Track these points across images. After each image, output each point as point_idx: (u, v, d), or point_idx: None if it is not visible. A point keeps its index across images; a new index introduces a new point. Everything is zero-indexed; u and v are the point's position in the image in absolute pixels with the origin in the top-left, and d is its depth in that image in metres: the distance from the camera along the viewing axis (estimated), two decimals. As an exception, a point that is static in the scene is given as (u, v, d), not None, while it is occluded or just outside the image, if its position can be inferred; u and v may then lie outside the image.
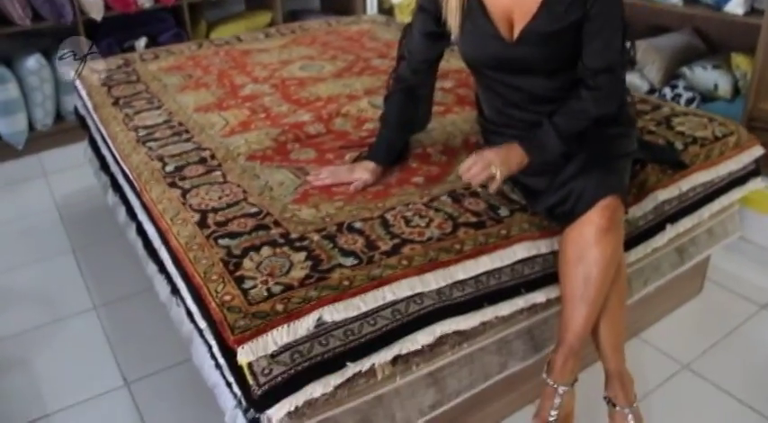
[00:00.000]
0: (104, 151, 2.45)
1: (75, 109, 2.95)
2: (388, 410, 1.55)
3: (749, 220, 2.73)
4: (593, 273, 1.58)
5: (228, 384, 1.48)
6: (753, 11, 3.06)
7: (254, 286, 1.40)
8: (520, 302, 1.65)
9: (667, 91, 3.42)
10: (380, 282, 1.43)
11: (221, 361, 1.38)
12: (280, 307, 1.35)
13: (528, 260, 1.67)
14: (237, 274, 1.44)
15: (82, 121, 2.84)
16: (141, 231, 2.02)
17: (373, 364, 1.41)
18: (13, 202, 3.21)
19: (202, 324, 1.47)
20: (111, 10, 3.68)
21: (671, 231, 1.96)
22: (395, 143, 1.89)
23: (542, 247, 1.68)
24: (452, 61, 2.73)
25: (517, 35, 1.67)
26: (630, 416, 1.68)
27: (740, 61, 3.22)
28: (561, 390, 1.63)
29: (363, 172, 1.81)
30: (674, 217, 1.97)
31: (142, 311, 2.39)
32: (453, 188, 1.78)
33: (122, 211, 2.28)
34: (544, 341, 1.82)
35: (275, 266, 1.46)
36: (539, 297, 1.69)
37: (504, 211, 1.71)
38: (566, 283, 1.62)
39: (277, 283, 1.40)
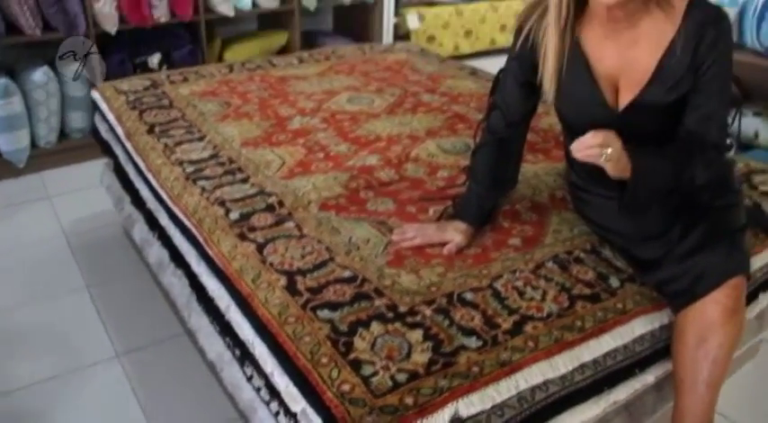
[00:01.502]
0: (138, 184, 2.24)
1: (95, 131, 2.73)
2: None
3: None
4: (719, 356, 1.44)
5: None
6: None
7: (375, 373, 1.22)
8: (636, 385, 1.51)
9: (703, 136, 3.33)
10: (512, 368, 1.27)
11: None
12: (409, 400, 1.17)
13: (639, 336, 1.52)
14: (351, 356, 1.26)
15: (105, 147, 2.62)
16: (193, 282, 1.82)
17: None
18: (15, 228, 2.96)
19: (296, 407, 1.28)
20: (125, 23, 3.47)
21: (763, 300, 1.84)
22: (486, 202, 1.72)
23: (656, 321, 1.54)
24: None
25: (625, 105, 1.51)
26: None
27: (785, 110, 3.14)
28: None
29: (455, 233, 1.64)
30: (766, 285, 1.85)
31: (172, 362, 2.18)
32: (555, 253, 1.63)
33: (159, 252, 2.08)
34: (641, 417, 1.67)
35: (393, 348, 1.28)
36: (649, 377, 1.55)
37: (614, 281, 1.56)
38: (685, 368, 1.47)
39: (400, 370, 1.23)
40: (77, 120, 3.51)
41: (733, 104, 1.59)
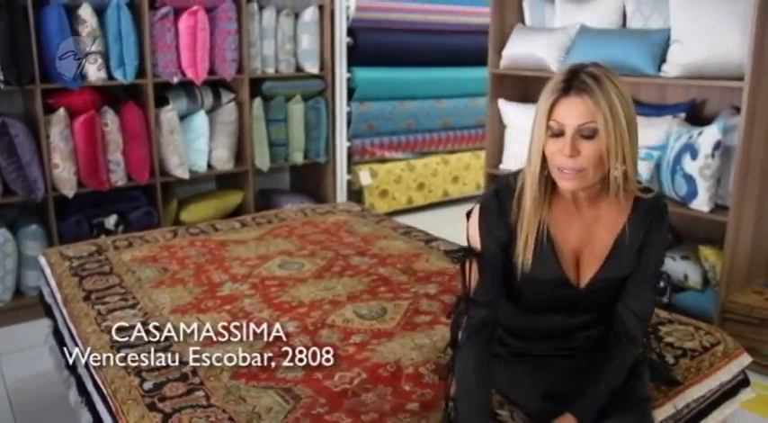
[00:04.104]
0: (72, 349, 2.32)
1: (41, 295, 2.84)
2: None
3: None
4: None
5: None
6: (717, 207, 3.19)
7: None
8: None
9: (640, 280, 3.48)
10: None
11: None
12: None
13: None
14: None
15: (47, 309, 2.73)
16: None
17: None
18: (-41, 387, 3.01)
19: None
20: (83, 187, 3.67)
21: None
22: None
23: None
24: (432, 261, 2.75)
25: (587, 281, 1.61)
26: None
27: (708, 254, 3.32)
28: None
29: None
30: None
31: None
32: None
33: (88, 417, 2.14)
34: None
35: None
36: None
37: (506, 446, 1.64)
38: None
39: None
40: (33, 278, 3.61)
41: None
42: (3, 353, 3.31)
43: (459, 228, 3.45)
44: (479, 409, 1.60)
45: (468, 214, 1.67)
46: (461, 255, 1.69)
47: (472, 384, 1.61)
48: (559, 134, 1.46)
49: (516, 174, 1.61)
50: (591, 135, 1.45)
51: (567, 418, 1.59)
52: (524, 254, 1.56)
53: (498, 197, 1.60)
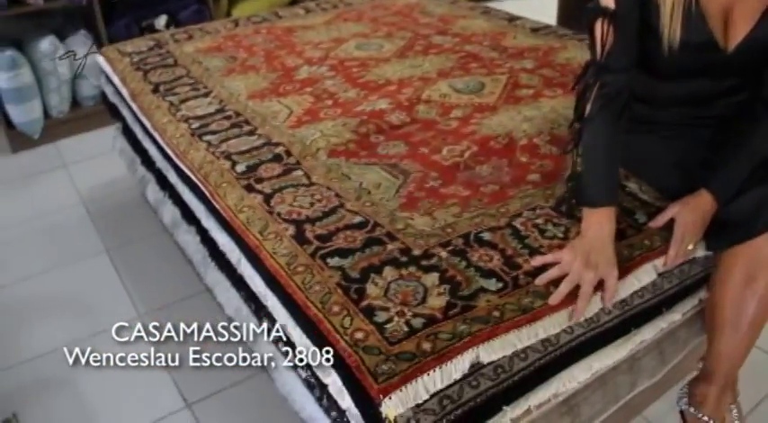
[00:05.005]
0: (147, 144, 2.19)
1: (103, 97, 2.68)
2: (522, 449, 1.33)
3: None
4: (767, 296, 1.37)
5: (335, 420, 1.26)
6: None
7: (390, 319, 1.17)
8: (661, 324, 1.44)
9: None
10: (533, 316, 1.21)
11: (352, 410, 1.14)
12: (427, 346, 1.12)
13: (668, 274, 1.44)
14: (364, 303, 1.21)
15: (112, 110, 2.57)
16: (206, 238, 1.77)
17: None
18: (34, 197, 2.95)
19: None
20: (128, -14, 3.40)
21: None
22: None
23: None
24: (521, 38, 2.50)
25: (736, 43, 1.35)
26: None
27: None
28: None
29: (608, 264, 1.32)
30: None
31: (194, 320, 2.15)
32: (577, 187, 1.55)
33: (172, 210, 2.04)
34: (671, 355, 1.60)
35: (407, 292, 1.23)
36: (676, 316, 1.48)
37: (641, 217, 1.48)
38: (728, 306, 1.40)
39: (416, 315, 1.17)
40: (87, 88, 3.45)
41: None
42: (70, 162, 3.23)
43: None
44: (607, 184, 1.42)
45: None
46: (591, 13, 1.42)
47: (600, 158, 1.43)
48: None
49: None
50: None
51: (702, 195, 1.41)
52: (670, 24, 1.33)
53: None
